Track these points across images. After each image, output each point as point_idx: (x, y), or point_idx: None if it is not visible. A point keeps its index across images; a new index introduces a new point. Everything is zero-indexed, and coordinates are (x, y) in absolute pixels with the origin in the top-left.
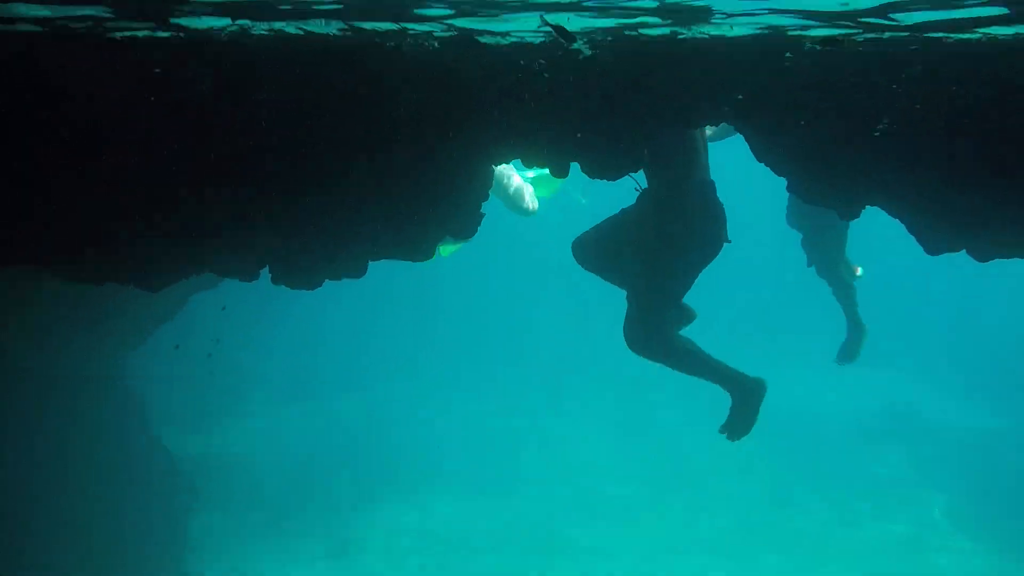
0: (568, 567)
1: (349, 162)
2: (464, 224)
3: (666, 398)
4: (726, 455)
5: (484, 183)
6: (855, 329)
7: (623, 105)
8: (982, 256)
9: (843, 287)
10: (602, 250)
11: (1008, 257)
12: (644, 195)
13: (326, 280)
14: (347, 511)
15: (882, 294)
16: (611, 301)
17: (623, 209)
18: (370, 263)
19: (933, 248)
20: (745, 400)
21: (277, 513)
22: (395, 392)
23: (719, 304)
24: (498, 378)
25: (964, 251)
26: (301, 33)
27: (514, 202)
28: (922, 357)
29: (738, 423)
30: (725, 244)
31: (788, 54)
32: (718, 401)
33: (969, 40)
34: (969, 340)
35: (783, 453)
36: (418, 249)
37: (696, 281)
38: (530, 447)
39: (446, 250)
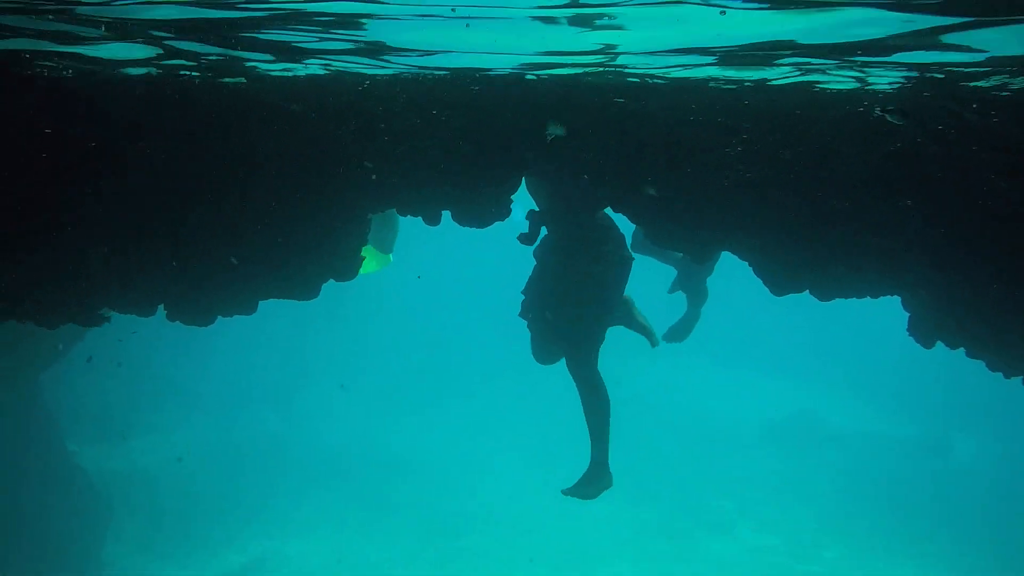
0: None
1: (233, 210)
2: (344, 267)
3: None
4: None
5: (360, 229)
6: (693, 316)
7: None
8: (823, 296)
9: (699, 293)
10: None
11: (847, 297)
12: (549, 244)
13: (219, 317)
14: (261, 527)
15: (788, 307)
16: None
17: (534, 268)
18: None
19: (777, 290)
20: (595, 479)
21: (191, 529)
22: (312, 406)
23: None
24: (404, 395)
25: (807, 291)
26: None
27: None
28: (828, 366)
29: (582, 491)
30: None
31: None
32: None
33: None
34: (872, 350)
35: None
36: (302, 289)
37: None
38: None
39: (367, 268)
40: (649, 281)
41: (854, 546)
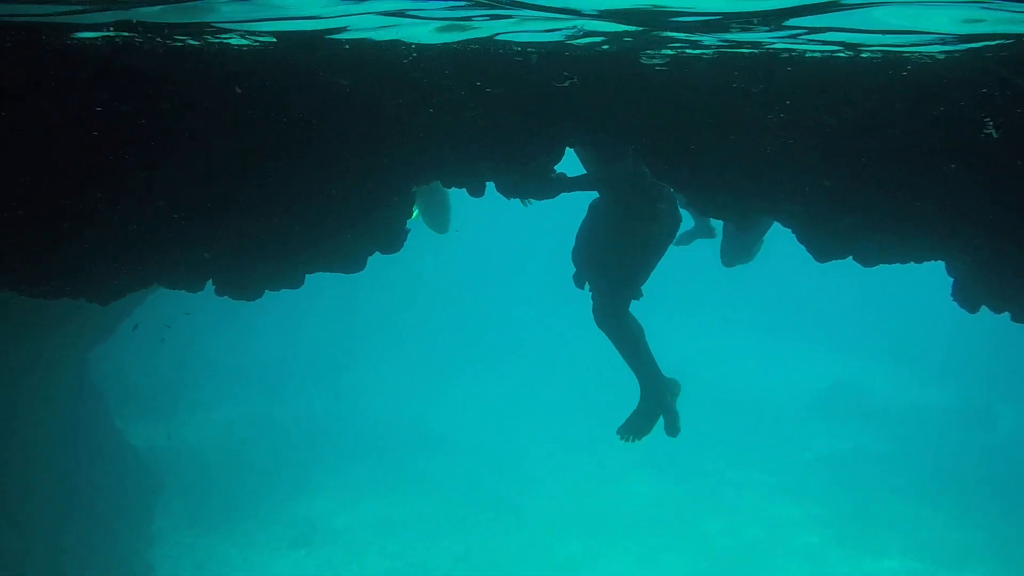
0: (525, 542)
1: (283, 184)
2: (389, 240)
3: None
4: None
5: (406, 203)
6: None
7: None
8: (866, 262)
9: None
10: (587, 255)
11: (890, 263)
12: (602, 205)
13: (265, 291)
14: (308, 500)
15: (831, 277)
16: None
17: (584, 221)
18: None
19: (821, 256)
20: (652, 402)
21: (239, 503)
22: (357, 383)
23: (677, 281)
24: (437, 366)
25: (851, 258)
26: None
27: (436, 212)
28: (871, 337)
29: (636, 425)
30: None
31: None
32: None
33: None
34: (916, 320)
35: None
36: (348, 262)
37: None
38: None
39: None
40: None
41: (898, 518)
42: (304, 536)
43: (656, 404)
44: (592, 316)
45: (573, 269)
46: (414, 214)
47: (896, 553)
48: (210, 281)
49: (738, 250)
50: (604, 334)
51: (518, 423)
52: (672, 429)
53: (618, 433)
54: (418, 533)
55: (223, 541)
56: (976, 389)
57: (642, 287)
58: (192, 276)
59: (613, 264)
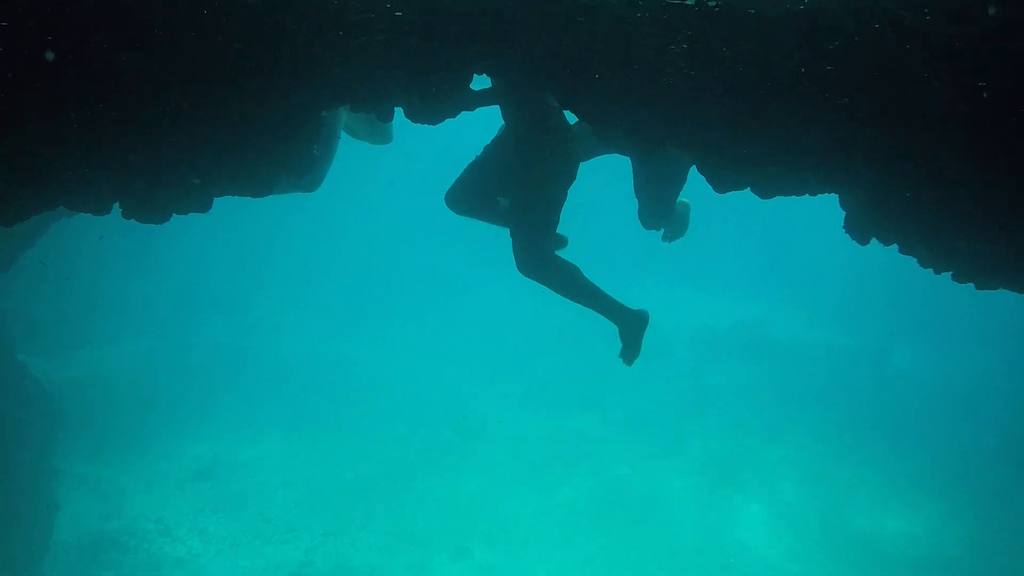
0: (424, 472)
1: (190, 105)
2: (298, 163)
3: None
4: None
5: (314, 126)
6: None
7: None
8: (763, 193)
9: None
10: (474, 194)
11: (786, 195)
12: (505, 134)
13: (173, 215)
14: (214, 434)
15: (730, 223)
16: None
17: (485, 149)
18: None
19: (720, 187)
20: (630, 331)
21: (143, 436)
22: (269, 320)
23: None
24: (355, 307)
25: (748, 188)
26: None
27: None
28: (769, 280)
29: (628, 351)
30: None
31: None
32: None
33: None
34: (813, 264)
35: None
36: (256, 185)
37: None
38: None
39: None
40: None
41: (796, 448)
42: (208, 469)
43: (631, 329)
44: (516, 267)
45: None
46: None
47: (789, 486)
48: (117, 204)
49: (655, 204)
50: (535, 282)
51: (428, 367)
52: (628, 357)
53: (620, 357)
54: (321, 465)
55: (126, 473)
56: (872, 329)
57: (559, 232)
58: (98, 198)
59: (530, 205)
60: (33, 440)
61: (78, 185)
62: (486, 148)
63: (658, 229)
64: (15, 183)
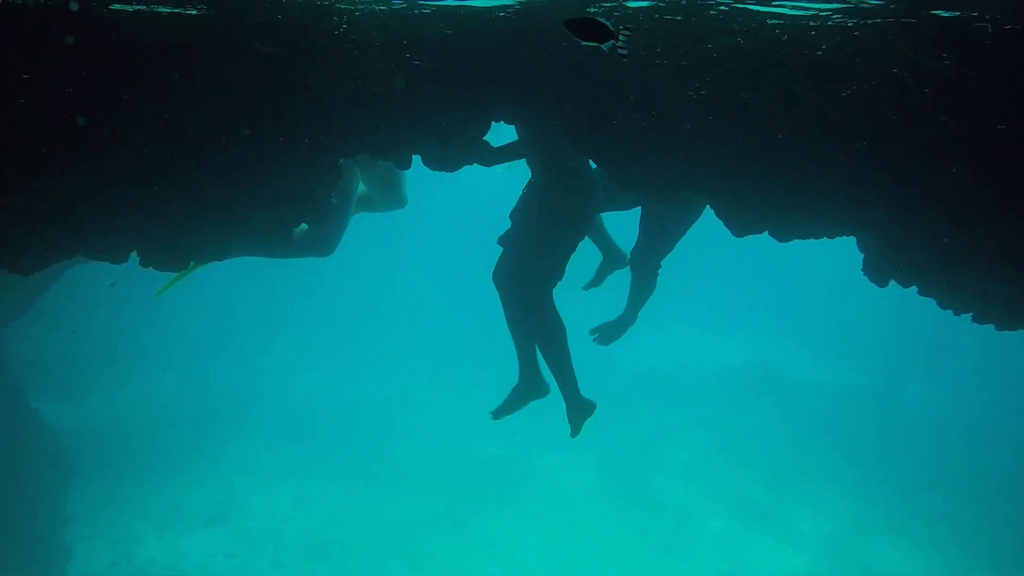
0: (441, 516)
1: (209, 155)
2: (316, 209)
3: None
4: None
5: (332, 174)
6: (630, 317)
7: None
8: (781, 237)
9: (647, 285)
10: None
11: (804, 238)
12: (529, 185)
13: (191, 262)
14: (225, 479)
15: (739, 263)
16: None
17: (512, 221)
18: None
19: (739, 231)
20: (576, 415)
21: (154, 481)
22: (274, 363)
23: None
24: (369, 351)
25: (767, 233)
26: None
27: (387, 187)
28: (782, 318)
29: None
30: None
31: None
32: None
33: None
34: (827, 302)
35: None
36: (272, 232)
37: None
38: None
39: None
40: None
41: (811, 486)
42: (220, 514)
43: (578, 410)
44: (492, 274)
45: None
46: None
47: (806, 527)
48: (134, 253)
49: (655, 245)
50: (499, 293)
51: (445, 409)
52: (573, 430)
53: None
54: (335, 510)
55: (138, 519)
56: (883, 367)
57: (562, 270)
58: (117, 247)
59: (530, 229)
60: (46, 486)
61: (97, 234)
62: (512, 217)
63: (648, 272)
64: (34, 233)
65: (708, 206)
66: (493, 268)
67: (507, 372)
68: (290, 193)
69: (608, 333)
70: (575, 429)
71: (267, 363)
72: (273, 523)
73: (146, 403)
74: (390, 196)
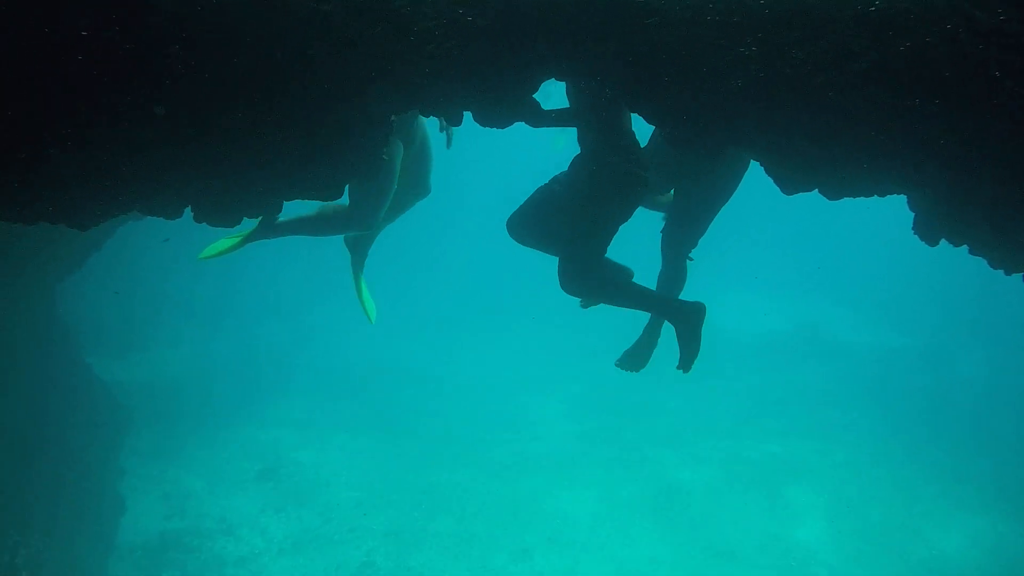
0: (489, 476)
1: (264, 111)
2: (367, 166)
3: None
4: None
5: (383, 131)
6: (653, 334)
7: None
8: (832, 195)
9: (677, 275)
10: (537, 225)
11: (855, 196)
12: (576, 159)
13: (244, 218)
14: (275, 435)
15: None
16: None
17: (553, 179)
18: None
19: (788, 188)
20: (688, 327)
21: (206, 436)
22: (321, 320)
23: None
24: (419, 314)
25: (816, 191)
26: None
27: (420, 165)
28: (831, 282)
29: (688, 352)
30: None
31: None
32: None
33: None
34: (876, 265)
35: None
36: (326, 189)
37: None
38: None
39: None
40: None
41: (857, 451)
42: (270, 470)
43: (689, 325)
44: (560, 284)
45: None
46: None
47: (852, 489)
48: (188, 208)
49: (688, 224)
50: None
51: (494, 370)
52: (687, 360)
53: (679, 368)
54: (382, 467)
55: (189, 473)
56: (934, 331)
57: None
58: (172, 202)
59: (594, 232)
60: (100, 440)
61: (153, 189)
62: (555, 178)
63: (680, 257)
64: (93, 187)
65: (751, 167)
66: (560, 281)
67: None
68: (343, 148)
69: (635, 358)
70: (693, 347)
71: (315, 322)
72: (321, 478)
73: (198, 361)
74: (421, 178)
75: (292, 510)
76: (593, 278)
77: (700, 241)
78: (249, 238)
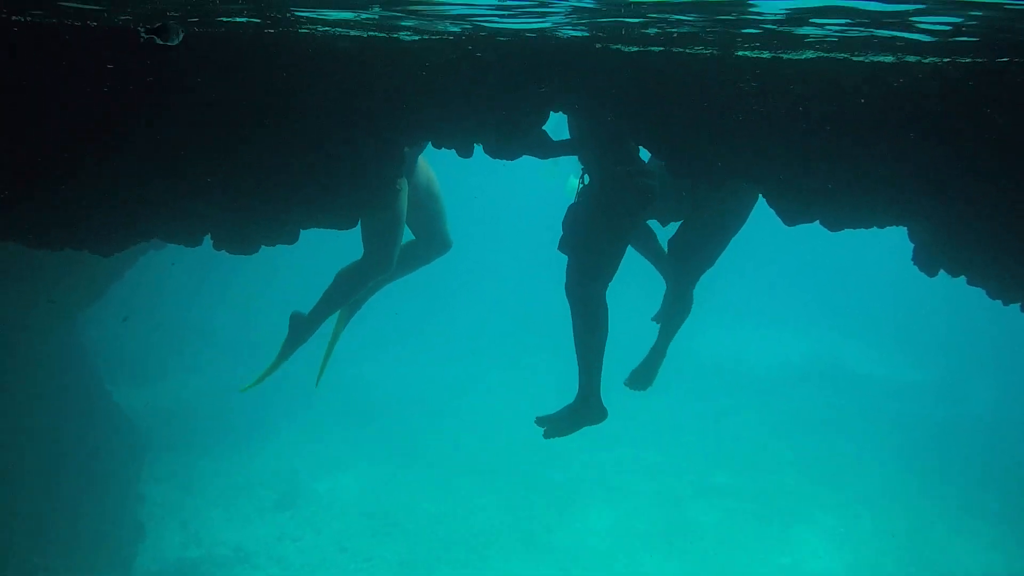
0: (502, 504)
1: (282, 141)
2: (381, 196)
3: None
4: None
5: (397, 161)
6: (660, 352)
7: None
8: (832, 226)
9: (682, 306)
10: (570, 234)
11: (855, 228)
12: (586, 187)
13: (262, 246)
14: (291, 464)
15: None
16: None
17: (578, 192)
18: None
19: (790, 220)
20: (579, 414)
21: (223, 465)
22: (339, 348)
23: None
24: (436, 344)
25: (817, 222)
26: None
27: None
28: (844, 313)
29: (559, 423)
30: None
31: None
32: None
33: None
34: (887, 297)
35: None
36: (341, 218)
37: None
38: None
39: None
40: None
41: (870, 483)
42: (287, 498)
43: (580, 413)
44: (565, 286)
45: None
46: None
47: (866, 522)
48: (208, 236)
49: (695, 257)
50: (569, 305)
51: (510, 400)
52: (551, 427)
53: (537, 422)
54: (399, 496)
55: (207, 502)
56: (947, 364)
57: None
58: (191, 230)
59: (589, 234)
60: (119, 466)
61: (172, 218)
62: (579, 192)
63: (685, 289)
64: (117, 214)
65: (755, 205)
66: (564, 282)
67: (572, 367)
68: (360, 180)
69: (642, 377)
70: (566, 428)
71: (334, 351)
72: (338, 507)
73: (216, 389)
74: (436, 227)
75: (309, 539)
76: (596, 289)
77: (717, 275)
78: (283, 354)
